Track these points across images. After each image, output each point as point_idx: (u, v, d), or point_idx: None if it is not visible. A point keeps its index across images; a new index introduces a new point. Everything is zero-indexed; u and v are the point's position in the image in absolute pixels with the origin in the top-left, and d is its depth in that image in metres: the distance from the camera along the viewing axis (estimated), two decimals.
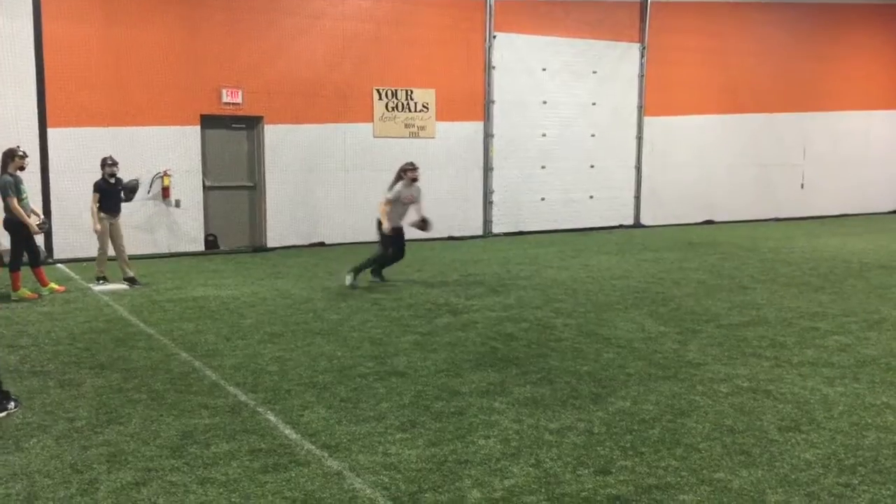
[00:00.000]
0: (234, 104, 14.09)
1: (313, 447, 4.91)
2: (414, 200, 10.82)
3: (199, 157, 14.00)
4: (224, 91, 13.95)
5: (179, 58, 13.58)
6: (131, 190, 10.97)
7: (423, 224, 10.89)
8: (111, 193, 10.66)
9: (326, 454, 4.80)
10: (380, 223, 10.57)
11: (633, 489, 4.33)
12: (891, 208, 23.19)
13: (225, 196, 14.50)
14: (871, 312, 8.87)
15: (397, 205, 10.63)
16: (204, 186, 14.14)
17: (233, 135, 14.46)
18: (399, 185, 10.64)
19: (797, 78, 20.84)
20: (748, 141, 20.35)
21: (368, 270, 10.83)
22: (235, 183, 14.61)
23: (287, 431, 5.18)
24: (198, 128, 13.91)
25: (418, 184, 10.86)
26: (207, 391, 6.04)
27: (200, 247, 14.14)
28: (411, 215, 10.89)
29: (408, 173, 10.69)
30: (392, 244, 10.70)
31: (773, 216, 20.73)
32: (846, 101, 21.90)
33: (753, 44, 20.07)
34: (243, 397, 5.89)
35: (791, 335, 7.80)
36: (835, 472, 4.55)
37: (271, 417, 5.45)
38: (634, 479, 4.45)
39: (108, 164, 10.66)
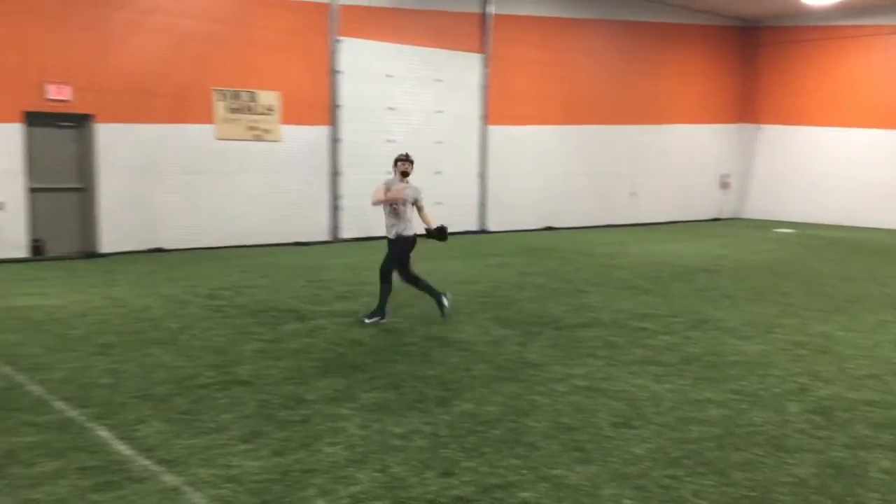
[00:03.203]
0: (61, 101, 13.22)
1: (149, 463, 4.69)
2: (401, 199, 8.58)
3: (22, 157, 13.04)
4: (48, 87, 13.07)
5: None
6: None
7: (436, 233, 8.82)
8: None
9: (163, 469, 4.60)
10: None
11: (476, 489, 4.43)
12: (712, 216, 24.99)
13: (52, 198, 13.58)
14: (695, 313, 9.51)
15: (388, 203, 8.64)
16: (28, 188, 13.18)
17: (60, 133, 13.58)
18: (388, 177, 8.89)
19: (629, 92, 22.06)
20: (584, 151, 21.32)
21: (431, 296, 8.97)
22: (64, 185, 13.72)
23: (120, 447, 4.92)
24: (20, 125, 12.96)
25: (412, 181, 8.74)
26: (31, 407, 5.64)
27: (25, 253, 13.17)
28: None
29: (397, 164, 8.76)
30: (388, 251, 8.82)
31: (607, 223, 21.79)
32: (674, 115, 23.42)
33: (589, 59, 21.07)
34: (72, 413, 5.54)
35: (623, 335, 8.23)
36: (662, 464, 4.84)
37: (103, 433, 5.15)
38: (477, 480, 4.55)
39: None
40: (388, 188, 8.69)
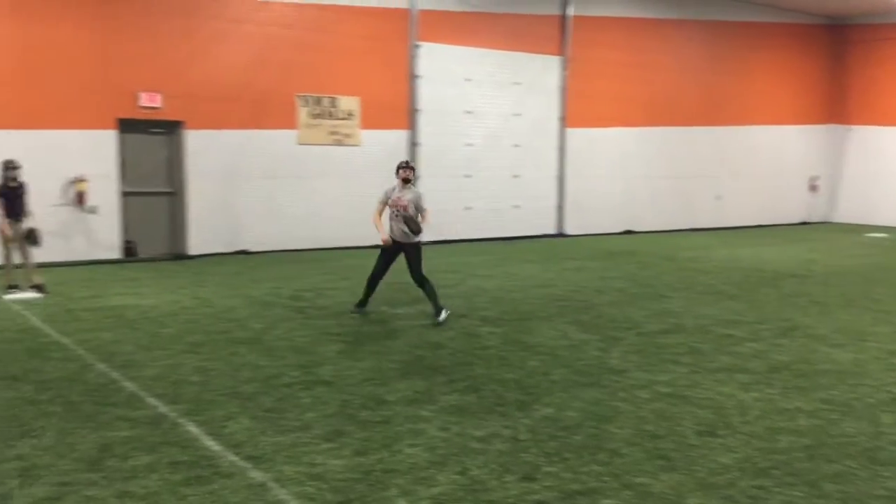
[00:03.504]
0: (152, 108, 13.74)
1: (237, 458, 4.82)
2: (402, 205, 8.90)
3: (116, 162, 13.60)
4: (141, 95, 13.59)
5: (94, 59, 13.17)
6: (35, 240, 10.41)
7: (406, 223, 8.86)
8: (13, 198, 10.23)
9: (250, 465, 4.72)
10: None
11: (557, 495, 4.39)
12: (801, 219, 24.19)
13: (144, 202, 14.11)
14: (783, 320, 9.23)
15: (391, 211, 9.02)
16: (121, 192, 13.73)
17: (152, 140, 14.09)
18: (388, 187, 9.20)
19: (713, 93, 21.58)
20: (666, 153, 20.93)
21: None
22: (154, 189, 14.24)
23: (209, 443, 5.07)
24: (114, 132, 13.51)
25: (414, 187, 9.14)
26: (126, 403, 5.86)
27: (118, 254, 13.72)
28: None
29: (399, 172, 9.08)
30: (379, 257, 9.21)
31: (690, 227, 21.34)
32: (760, 116, 22.78)
33: (672, 59, 20.69)
34: (163, 408, 5.74)
35: (707, 342, 8.05)
36: (750, 475, 4.71)
37: (193, 429, 5.32)
38: (559, 485, 4.52)
39: (9, 167, 10.23)
40: (387, 197, 9.06)
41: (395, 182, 9.15)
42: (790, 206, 23.99)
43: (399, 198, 8.97)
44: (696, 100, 21.26)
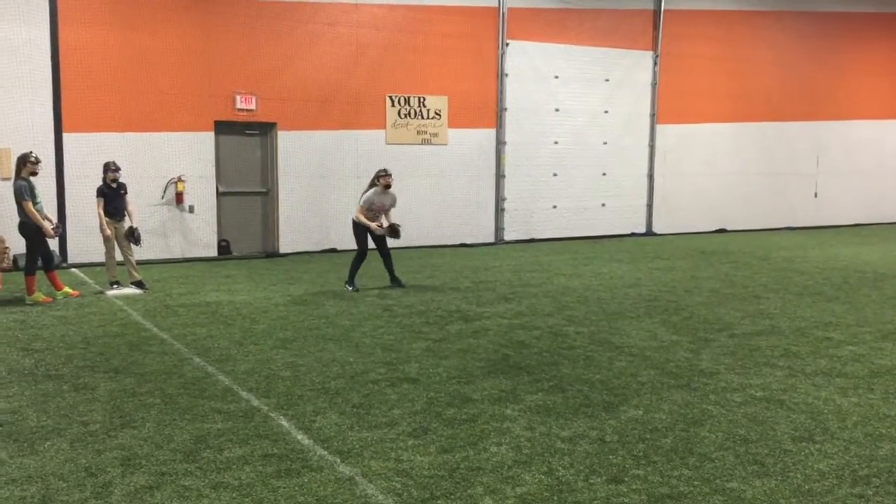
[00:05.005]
0: (247, 110, 14.16)
1: (325, 452, 4.92)
2: (385, 208, 10.85)
3: (213, 163, 14.08)
4: (238, 97, 14.03)
5: (194, 64, 13.68)
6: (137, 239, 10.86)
7: (391, 232, 10.84)
8: (113, 198, 10.69)
9: (338, 460, 4.81)
10: (355, 224, 10.85)
11: (645, 498, 4.32)
12: None
13: (238, 202, 14.57)
14: (886, 323, 8.82)
15: (371, 213, 10.75)
16: (217, 192, 14.21)
17: (246, 141, 14.53)
18: (370, 193, 10.70)
19: (810, 87, 20.79)
20: (761, 149, 20.30)
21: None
22: (249, 189, 14.68)
23: (299, 437, 5.19)
24: (212, 133, 13.99)
25: (393, 191, 10.92)
26: (220, 396, 6.06)
27: (213, 252, 14.21)
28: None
29: (380, 179, 10.70)
30: (360, 243, 10.84)
31: (785, 225, 20.64)
32: (860, 111, 21.82)
33: (767, 52, 20.04)
34: (256, 402, 5.91)
35: (804, 345, 7.77)
36: (849, 482, 4.52)
37: (284, 423, 5.46)
38: (647, 489, 4.44)
39: (111, 169, 10.68)
40: (371, 203, 10.66)
41: (373, 188, 10.69)
42: (894, 204, 22.88)
43: (384, 203, 10.79)
44: (793, 94, 20.53)
